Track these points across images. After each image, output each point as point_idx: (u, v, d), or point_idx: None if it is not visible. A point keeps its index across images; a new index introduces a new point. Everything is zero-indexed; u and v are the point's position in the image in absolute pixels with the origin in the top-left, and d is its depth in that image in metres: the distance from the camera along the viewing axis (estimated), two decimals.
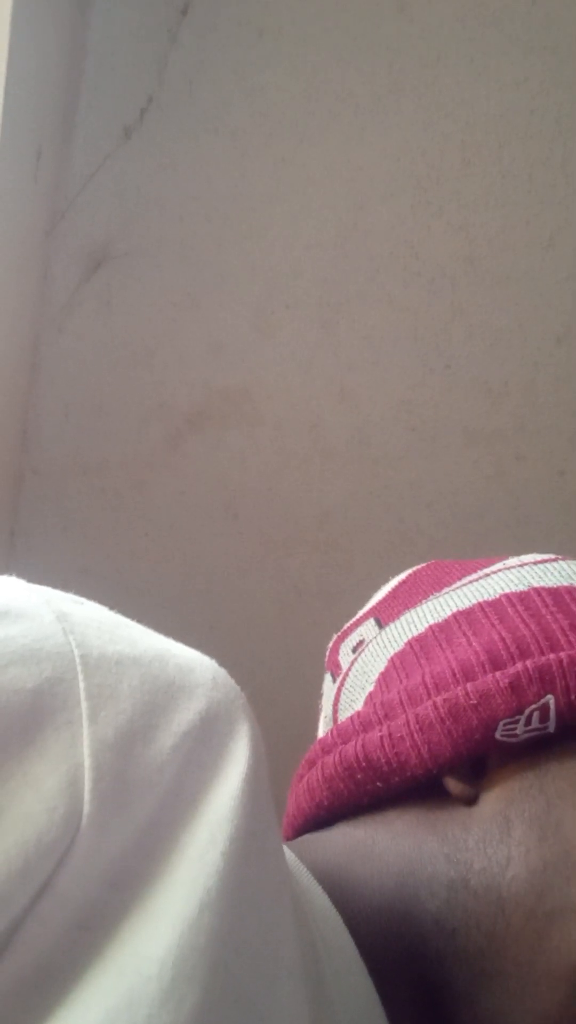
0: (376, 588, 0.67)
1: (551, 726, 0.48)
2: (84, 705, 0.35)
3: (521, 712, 0.48)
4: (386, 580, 0.67)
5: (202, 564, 1.29)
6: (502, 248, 1.21)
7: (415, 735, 0.49)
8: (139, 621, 0.41)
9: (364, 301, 1.23)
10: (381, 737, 0.51)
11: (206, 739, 0.37)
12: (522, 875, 0.45)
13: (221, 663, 0.40)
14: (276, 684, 1.25)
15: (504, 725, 0.48)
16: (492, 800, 0.48)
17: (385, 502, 1.27)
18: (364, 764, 0.51)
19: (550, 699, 0.48)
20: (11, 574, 0.41)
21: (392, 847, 0.50)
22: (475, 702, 0.48)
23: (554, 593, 0.53)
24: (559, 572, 0.56)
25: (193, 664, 0.39)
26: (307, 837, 0.55)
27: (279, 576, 1.28)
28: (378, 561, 1.24)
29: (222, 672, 0.40)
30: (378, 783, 0.51)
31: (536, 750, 0.48)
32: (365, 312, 1.23)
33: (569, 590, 0.53)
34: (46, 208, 1.20)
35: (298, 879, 0.45)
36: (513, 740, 0.48)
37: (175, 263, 1.23)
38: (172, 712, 0.37)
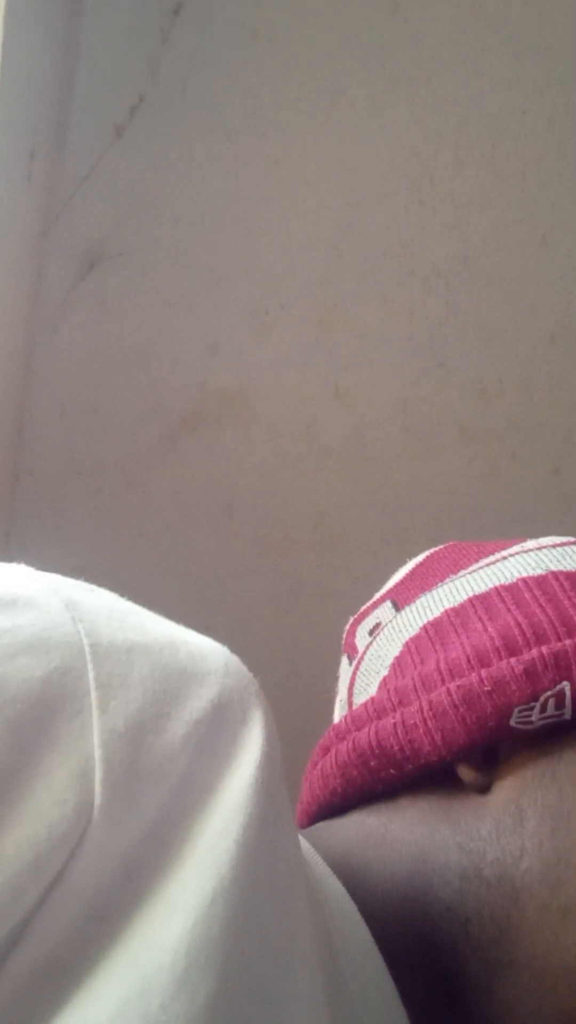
0: (372, 586, 0.67)
1: (567, 713, 0.47)
2: (94, 695, 0.34)
3: (536, 699, 0.47)
4: (382, 579, 0.67)
5: (198, 564, 1.28)
6: (496, 247, 1.21)
7: (428, 722, 0.49)
8: None
9: (359, 301, 1.23)
10: (394, 724, 0.50)
11: (218, 727, 0.37)
12: (536, 867, 0.45)
13: None
14: (273, 684, 1.25)
15: (519, 712, 0.47)
16: (505, 788, 0.48)
17: (380, 501, 1.27)
18: (377, 751, 0.50)
19: (566, 686, 0.47)
20: None
21: (405, 835, 0.49)
22: (489, 688, 0.48)
23: (572, 577, 0.52)
24: None
25: (205, 651, 0.39)
26: (321, 825, 0.55)
27: (275, 576, 1.28)
28: (374, 560, 1.24)
29: (235, 659, 0.40)
30: (391, 770, 0.50)
31: (550, 737, 0.48)
32: (360, 312, 1.23)
33: None
34: (40, 208, 1.20)
35: (312, 867, 0.44)
36: (528, 727, 0.47)
37: (169, 263, 1.23)
38: (184, 700, 0.36)
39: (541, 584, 0.52)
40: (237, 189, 1.21)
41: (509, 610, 0.51)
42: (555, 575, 0.53)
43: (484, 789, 0.48)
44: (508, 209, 1.21)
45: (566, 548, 0.56)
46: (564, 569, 0.53)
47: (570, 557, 0.55)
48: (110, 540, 1.28)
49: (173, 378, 1.25)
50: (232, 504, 1.28)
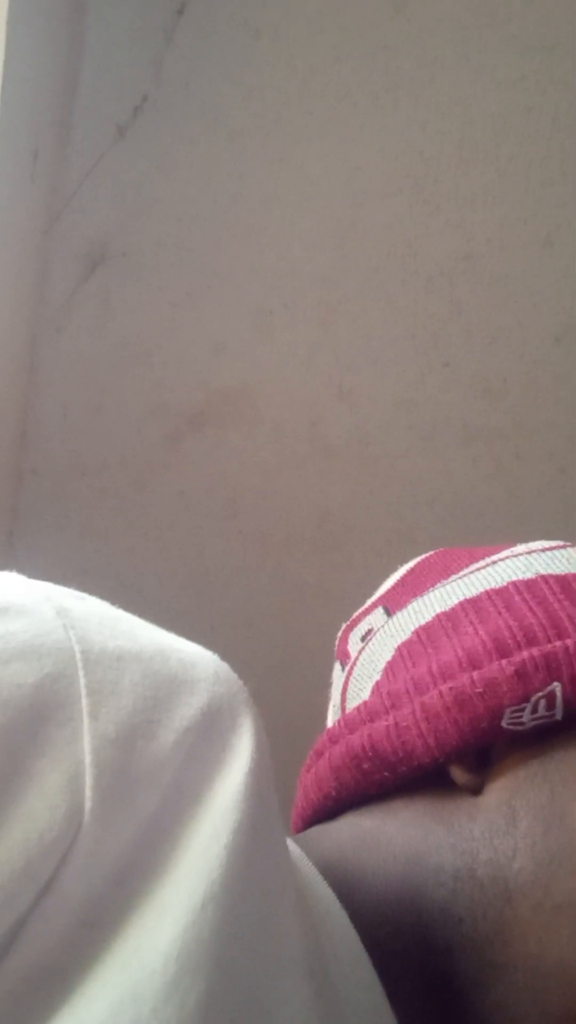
0: (376, 586, 0.67)
1: (558, 714, 0.47)
2: (85, 701, 0.35)
3: (527, 700, 0.47)
4: (386, 578, 0.67)
5: (202, 564, 1.29)
6: (500, 246, 1.21)
7: (421, 724, 0.49)
8: None
9: (362, 300, 1.23)
10: (387, 727, 0.50)
11: (208, 734, 0.37)
12: (529, 867, 0.45)
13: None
14: (276, 683, 1.25)
15: (511, 713, 0.47)
16: (498, 790, 0.48)
17: (384, 501, 1.27)
18: (371, 754, 0.51)
19: (556, 687, 0.47)
20: (11, 573, 0.41)
21: (398, 837, 0.49)
22: (481, 690, 0.48)
23: (561, 581, 0.53)
24: (567, 559, 0.55)
25: (195, 659, 0.39)
26: (314, 829, 0.55)
27: (279, 575, 1.28)
28: (378, 560, 1.24)
29: (224, 666, 0.40)
30: (385, 772, 0.50)
31: (541, 739, 0.48)
32: (364, 311, 1.23)
33: None
34: (44, 208, 1.20)
35: (302, 873, 0.45)
36: (519, 728, 0.48)
37: (173, 263, 1.23)
38: (174, 707, 0.36)
39: (531, 587, 0.53)
40: (240, 189, 1.21)
41: (500, 613, 0.52)
42: (544, 578, 0.53)
43: (477, 790, 0.49)
44: (512, 208, 1.20)
45: (555, 552, 0.56)
46: (553, 572, 0.54)
47: (559, 561, 0.55)
48: (114, 539, 1.28)
49: (177, 378, 1.25)
50: (236, 503, 1.28)
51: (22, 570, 0.42)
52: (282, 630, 1.28)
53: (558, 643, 0.49)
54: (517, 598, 0.52)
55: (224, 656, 0.41)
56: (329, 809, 0.54)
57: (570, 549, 0.57)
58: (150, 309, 1.24)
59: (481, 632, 0.51)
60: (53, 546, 1.27)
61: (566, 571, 0.54)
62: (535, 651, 0.48)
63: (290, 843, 0.45)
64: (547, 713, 0.47)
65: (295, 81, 1.18)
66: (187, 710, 0.37)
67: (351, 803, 0.53)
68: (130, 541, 1.28)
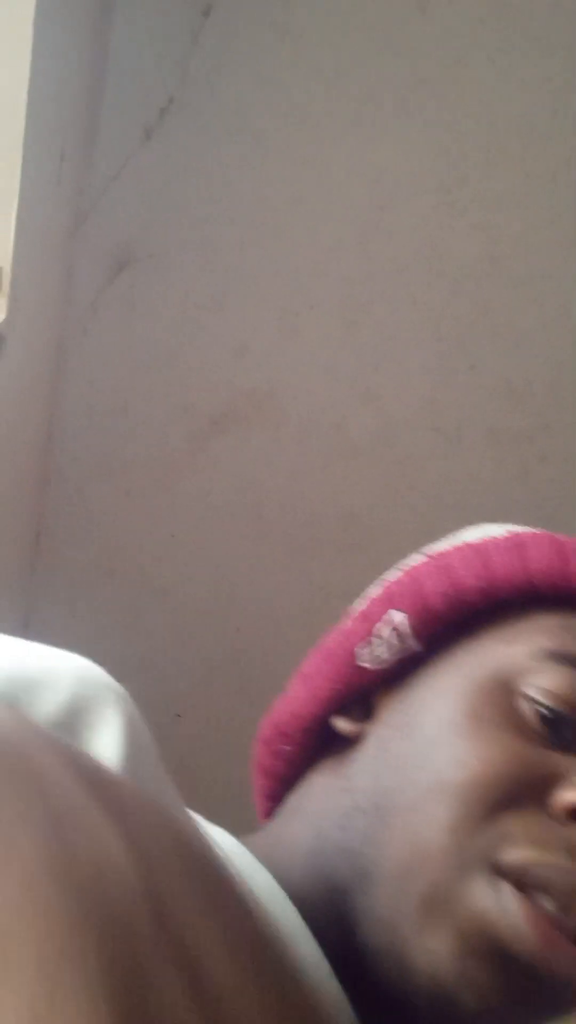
0: None
1: (414, 644, 0.53)
2: None
3: (373, 634, 0.54)
4: None
5: (227, 565, 1.29)
6: (525, 248, 1.21)
7: (302, 689, 0.56)
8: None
9: (387, 301, 1.23)
10: (281, 703, 0.57)
11: (72, 726, 0.40)
12: (393, 780, 0.49)
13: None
14: None
15: (362, 650, 0.54)
16: (375, 728, 0.53)
17: (409, 502, 1.27)
18: (273, 731, 0.57)
19: (393, 613, 0.53)
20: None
21: (311, 799, 0.54)
22: (338, 641, 0.55)
23: (441, 554, 0.58)
24: (452, 539, 0.61)
25: (59, 664, 0.43)
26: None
27: (304, 576, 1.28)
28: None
29: (94, 671, 0.43)
30: (285, 745, 0.57)
31: (405, 674, 0.54)
32: (389, 312, 1.23)
33: (456, 549, 0.58)
34: (70, 210, 1.20)
35: (241, 865, 0.48)
36: (377, 666, 0.54)
37: (199, 265, 1.23)
38: (35, 704, 0.40)
39: (416, 567, 0.58)
40: (266, 190, 1.21)
41: (380, 591, 0.58)
42: (431, 556, 0.59)
43: (360, 736, 0.54)
44: (538, 210, 1.20)
45: (451, 536, 0.62)
46: (440, 550, 0.59)
47: (448, 541, 0.60)
48: (139, 541, 1.28)
49: (202, 379, 1.26)
50: (261, 504, 1.28)
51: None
52: (306, 631, 1.28)
53: (400, 584, 0.55)
54: (400, 576, 0.58)
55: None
56: (272, 810, 0.59)
57: (464, 530, 0.62)
58: (176, 311, 1.24)
59: (359, 615, 0.57)
60: (79, 547, 1.27)
61: (449, 547, 0.59)
62: (380, 594, 0.55)
63: (230, 840, 0.50)
64: (403, 645, 0.53)
65: (320, 82, 1.18)
66: (48, 706, 0.41)
67: (282, 795, 0.58)
68: (155, 542, 1.29)
